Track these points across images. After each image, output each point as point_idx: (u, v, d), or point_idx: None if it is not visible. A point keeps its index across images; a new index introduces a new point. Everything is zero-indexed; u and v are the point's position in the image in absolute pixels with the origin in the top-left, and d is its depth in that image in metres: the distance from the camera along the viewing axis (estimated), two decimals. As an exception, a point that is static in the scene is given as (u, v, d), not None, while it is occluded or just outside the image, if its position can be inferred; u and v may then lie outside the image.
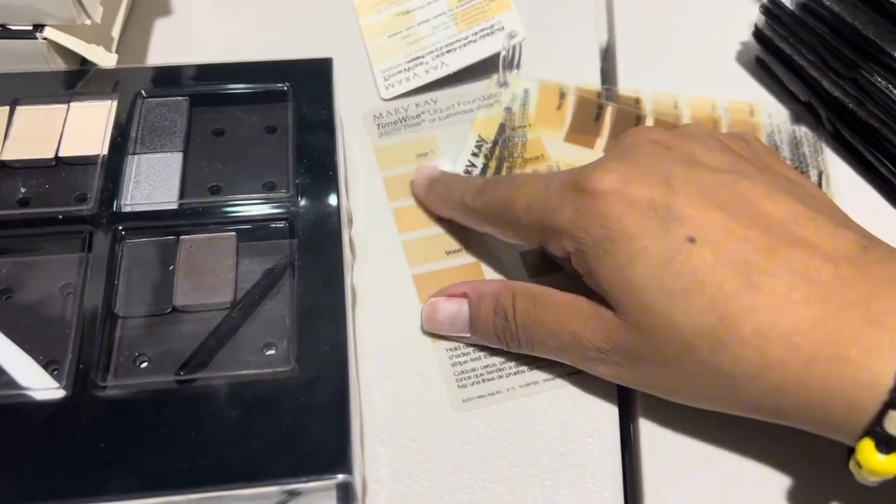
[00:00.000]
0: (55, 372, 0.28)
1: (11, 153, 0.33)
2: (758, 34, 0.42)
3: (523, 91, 0.41)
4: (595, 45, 0.44)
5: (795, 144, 0.39)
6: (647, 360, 0.27)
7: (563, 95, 0.40)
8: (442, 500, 0.29)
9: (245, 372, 0.28)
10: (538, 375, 0.32)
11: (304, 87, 0.36)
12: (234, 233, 0.31)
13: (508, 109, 0.40)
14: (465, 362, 0.32)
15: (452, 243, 0.36)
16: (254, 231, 0.31)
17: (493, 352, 0.32)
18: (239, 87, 0.36)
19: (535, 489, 0.29)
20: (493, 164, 0.38)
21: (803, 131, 0.40)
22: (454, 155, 0.38)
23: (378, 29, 0.43)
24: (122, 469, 0.25)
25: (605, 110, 0.40)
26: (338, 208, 0.32)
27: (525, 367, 0.32)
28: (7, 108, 0.34)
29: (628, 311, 0.27)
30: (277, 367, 0.28)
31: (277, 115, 0.35)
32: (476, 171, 0.38)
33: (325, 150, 0.33)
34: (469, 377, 0.32)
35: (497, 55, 0.40)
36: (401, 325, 0.33)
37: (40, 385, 0.27)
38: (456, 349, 0.32)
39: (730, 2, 0.46)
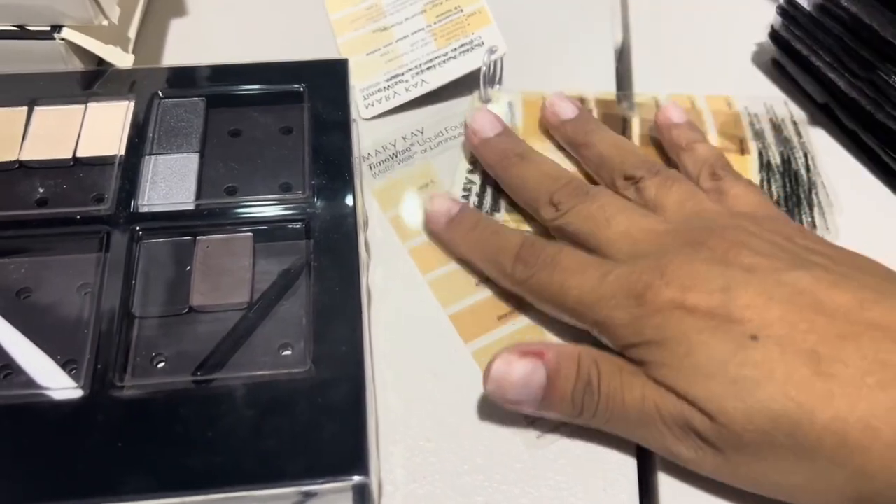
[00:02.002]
0: (73, 372, 0.28)
1: (30, 153, 0.33)
2: (774, 35, 0.42)
3: (507, 105, 0.40)
4: (610, 49, 0.44)
5: (777, 129, 0.39)
6: (727, 449, 0.27)
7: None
8: (457, 502, 0.29)
9: (261, 373, 0.28)
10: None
11: (320, 88, 0.36)
12: (250, 233, 0.31)
13: None
14: None
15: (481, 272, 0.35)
16: (270, 232, 0.32)
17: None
18: (255, 88, 0.36)
19: (551, 491, 0.29)
20: (492, 180, 0.37)
21: (782, 115, 0.40)
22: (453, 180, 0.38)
23: (356, 46, 0.42)
24: (139, 469, 0.26)
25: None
26: (353, 209, 0.32)
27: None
28: (25, 108, 0.34)
29: (703, 398, 0.27)
30: (293, 368, 0.28)
31: (293, 115, 0.35)
32: (475, 188, 0.37)
33: (340, 151, 0.34)
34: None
35: (478, 71, 0.40)
36: (415, 326, 0.33)
37: (58, 385, 0.27)
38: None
39: (745, 3, 0.46)
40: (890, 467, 0.25)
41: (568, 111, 0.38)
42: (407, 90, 0.40)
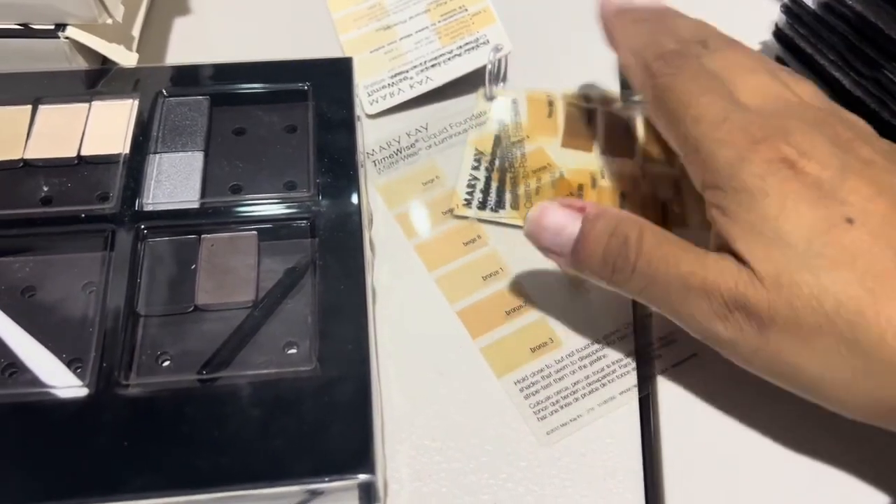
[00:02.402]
0: (78, 370, 0.28)
1: (34, 152, 0.33)
2: (778, 34, 0.42)
3: (511, 102, 0.40)
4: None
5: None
6: (776, 327, 0.25)
7: (551, 103, 0.40)
8: (463, 501, 0.29)
9: (267, 371, 0.28)
10: (613, 390, 0.32)
11: (325, 86, 0.36)
12: (255, 232, 0.31)
13: (501, 122, 0.39)
14: (537, 392, 0.31)
15: (487, 266, 0.35)
16: (275, 230, 0.32)
17: (560, 378, 0.32)
18: (259, 87, 0.36)
19: (556, 489, 0.29)
20: (495, 177, 0.37)
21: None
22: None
23: (359, 45, 0.42)
24: (144, 467, 0.25)
25: (595, 115, 0.40)
26: (358, 207, 0.32)
27: (598, 385, 0.32)
28: (30, 107, 0.34)
29: (770, 265, 0.25)
30: (299, 367, 0.28)
31: (298, 114, 0.35)
32: (479, 185, 0.37)
33: (345, 149, 0.33)
34: (545, 407, 0.31)
35: (482, 69, 0.40)
36: (421, 325, 0.33)
37: (64, 383, 0.27)
38: (524, 380, 0.32)
39: (749, 1, 0.45)
40: None
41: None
42: (411, 87, 0.40)
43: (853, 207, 0.26)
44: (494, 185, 0.37)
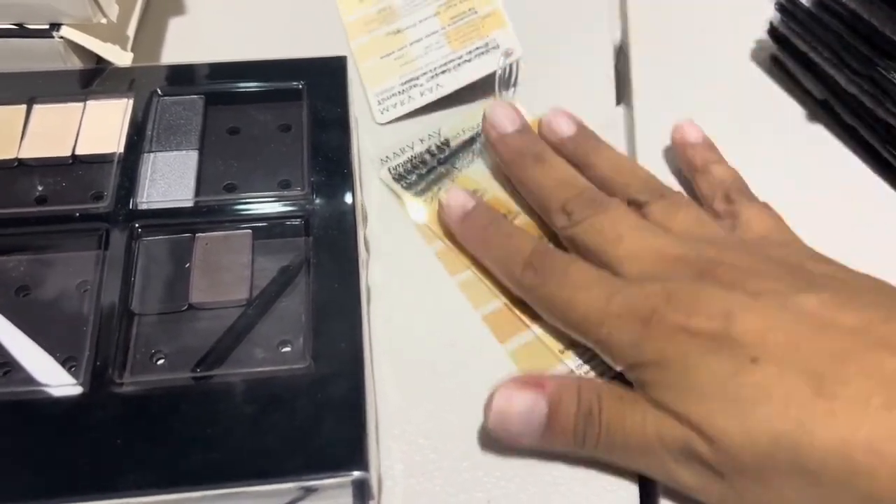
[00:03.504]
0: (72, 369, 0.28)
1: (28, 151, 0.33)
2: (773, 32, 0.42)
3: None
4: (609, 48, 0.44)
5: None
6: (729, 475, 0.26)
7: None
8: (457, 498, 0.29)
9: (261, 369, 0.28)
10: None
11: (319, 85, 0.36)
12: (249, 230, 0.31)
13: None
14: None
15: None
16: (269, 229, 0.32)
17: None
18: (253, 86, 0.36)
19: (549, 486, 0.29)
20: (439, 170, 0.37)
21: None
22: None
23: (370, 50, 0.42)
24: (138, 465, 0.26)
25: None
26: (353, 206, 0.32)
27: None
28: (24, 106, 0.34)
29: (702, 421, 0.26)
30: (293, 364, 0.28)
31: (292, 113, 0.35)
32: (422, 169, 0.37)
33: (339, 148, 0.34)
34: None
35: (493, 74, 0.39)
36: (414, 322, 0.33)
37: (58, 381, 0.27)
38: None
39: (744, 0, 0.46)
40: None
41: (566, 128, 0.37)
42: (422, 94, 0.40)
43: (752, 346, 0.26)
44: (431, 176, 0.37)
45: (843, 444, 0.24)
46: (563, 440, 0.29)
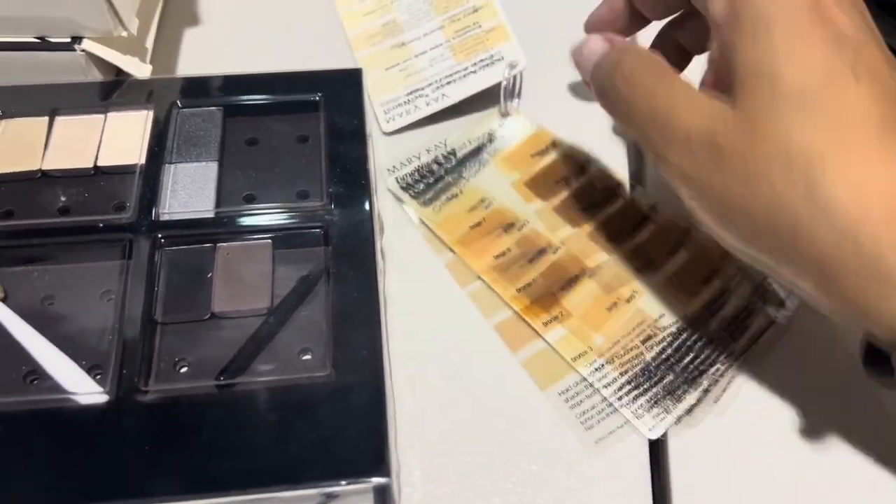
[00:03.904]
0: (98, 377, 0.29)
1: (51, 163, 0.34)
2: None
3: (521, 122, 0.40)
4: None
5: None
6: (732, 162, 0.26)
7: (547, 148, 0.40)
8: (474, 503, 0.30)
9: (282, 377, 0.29)
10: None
11: (336, 97, 0.36)
12: (269, 240, 0.32)
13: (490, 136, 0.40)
14: (581, 402, 0.32)
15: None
16: (289, 239, 0.32)
17: (604, 386, 0.32)
18: (271, 98, 0.36)
19: (565, 493, 0.30)
20: (448, 179, 0.38)
21: None
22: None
23: (374, 62, 0.42)
24: (164, 471, 0.26)
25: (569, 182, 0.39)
26: (370, 216, 0.32)
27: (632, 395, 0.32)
28: (46, 118, 0.35)
29: (751, 102, 0.25)
30: (314, 372, 0.28)
31: (309, 124, 0.36)
32: (430, 179, 0.38)
33: (356, 159, 0.34)
34: (591, 416, 0.32)
35: (498, 85, 0.40)
36: (430, 331, 0.34)
37: (84, 390, 0.28)
38: (567, 391, 0.32)
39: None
40: (880, 242, 0.24)
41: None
42: (427, 104, 0.40)
43: (865, 66, 0.25)
44: (439, 185, 0.38)
45: (862, 184, 0.24)
46: (595, 84, 0.31)
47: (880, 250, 0.24)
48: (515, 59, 0.39)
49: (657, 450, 0.31)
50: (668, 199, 0.37)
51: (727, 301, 0.34)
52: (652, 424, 0.31)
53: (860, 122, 0.25)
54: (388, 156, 0.39)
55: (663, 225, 0.37)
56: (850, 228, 0.24)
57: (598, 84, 0.31)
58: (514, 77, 0.40)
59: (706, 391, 0.32)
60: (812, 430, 0.31)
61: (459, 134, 0.40)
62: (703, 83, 0.31)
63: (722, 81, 0.27)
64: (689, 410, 0.32)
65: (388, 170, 0.38)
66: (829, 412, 0.32)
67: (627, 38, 0.35)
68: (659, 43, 0.36)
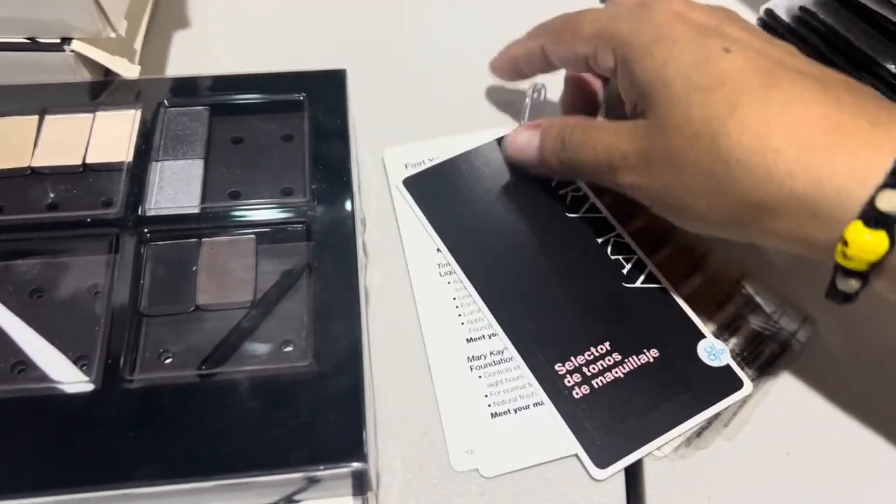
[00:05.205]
0: (84, 367, 0.29)
1: (41, 160, 0.35)
2: (755, 46, 0.44)
3: None
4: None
5: None
6: (660, 159, 0.30)
7: None
8: (452, 492, 0.30)
9: (264, 367, 0.29)
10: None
11: (319, 97, 0.37)
12: (253, 235, 0.33)
13: None
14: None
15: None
16: (272, 234, 0.33)
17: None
18: (257, 97, 0.37)
19: (538, 481, 0.31)
20: None
21: None
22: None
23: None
24: (149, 457, 0.27)
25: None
26: (352, 212, 0.33)
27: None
28: (36, 117, 0.36)
29: (656, 106, 0.30)
30: (295, 363, 0.29)
31: (294, 123, 0.37)
32: None
33: (339, 157, 0.35)
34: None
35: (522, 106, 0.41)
36: (411, 324, 0.35)
37: (71, 379, 0.29)
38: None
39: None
40: (795, 172, 0.27)
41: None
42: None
43: (731, 40, 0.30)
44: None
45: (763, 126, 0.27)
46: (548, 163, 0.36)
47: (795, 183, 0.27)
48: (540, 83, 0.41)
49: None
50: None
51: (740, 326, 0.35)
52: (660, 444, 0.32)
53: (741, 82, 0.29)
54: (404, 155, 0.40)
55: (680, 247, 0.37)
56: (763, 172, 0.27)
57: (550, 162, 0.36)
58: (537, 95, 0.41)
59: (717, 415, 0.32)
60: (820, 457, 0.32)
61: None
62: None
63: (635, 109, 0.32)
64: (699, 433, 0.32)
65: (405, 164, 0.40)
66: (838, 438, 0.32)
67: (537, 78, 0.40)
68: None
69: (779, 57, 0.30)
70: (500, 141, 0.39)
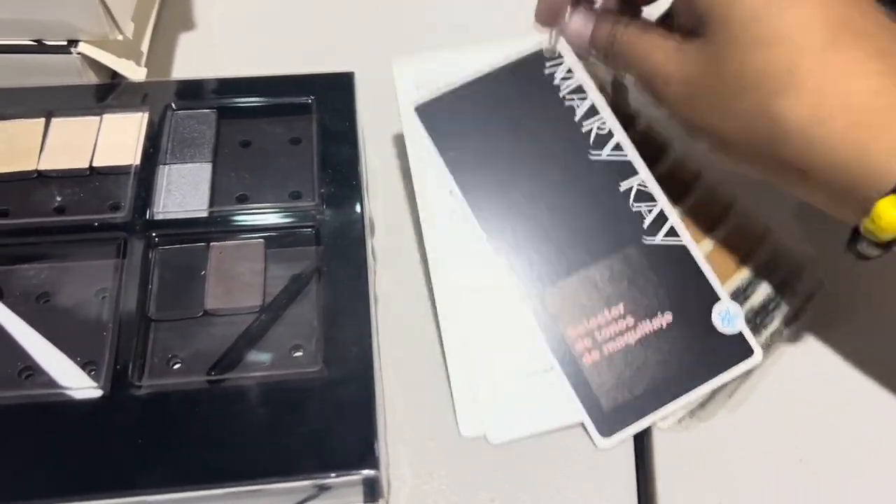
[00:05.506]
0: (93, 372, 0.29)
1: (48, 163, 0.34)
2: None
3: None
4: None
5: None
6: (705, 98, 0.30)
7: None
8: (461, 498, 0.30)
9: (274, 372, 0.29)
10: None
11: (328, 99, 0.37)
12: (262, 240, 0.33)
13: None
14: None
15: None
16: (281, 238, 0.33)
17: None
18: (264, 100, 0.37)
19: (551, 489, 0.30)
20: None
21: None
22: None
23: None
24: (158, 464, 0.27)
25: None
26: (361, 216, 0.33)
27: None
28: (43, 120, 0.36)
29: (711, 42, 0.29)
30: (305, 368, 0.29)
31: (302, 126, 0.36)
32: None
33: (348, 160, 0.35)
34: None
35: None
36: (421, 329, 0.34)
37: (79, 385, 0.29)
38: None
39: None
40: (840, 145, 0.27)
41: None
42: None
43: None
44: None
45: (819, 95, 0.27)
46: (599, 49, 0.35)
47: (837, 156, 0.27)
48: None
49: (641, 454, 0.32)
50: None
51: (756, 289, 0.35)
52: (664, 414, 0.32)
53: (802, 41, 0.28)
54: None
55: (705, 194, 0.37)
56: (808, 143, 0.27)
57: (599, 51, 0.35)
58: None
59: (722, 386, 0.32)
60: (824, 430, 0.32)
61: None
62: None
63: (684, 27, 0.31)
64: (703, 404, 0.32)
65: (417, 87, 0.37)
66: (844, 414, 0.33)
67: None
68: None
69: (846, 12, 0.28)
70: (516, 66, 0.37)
